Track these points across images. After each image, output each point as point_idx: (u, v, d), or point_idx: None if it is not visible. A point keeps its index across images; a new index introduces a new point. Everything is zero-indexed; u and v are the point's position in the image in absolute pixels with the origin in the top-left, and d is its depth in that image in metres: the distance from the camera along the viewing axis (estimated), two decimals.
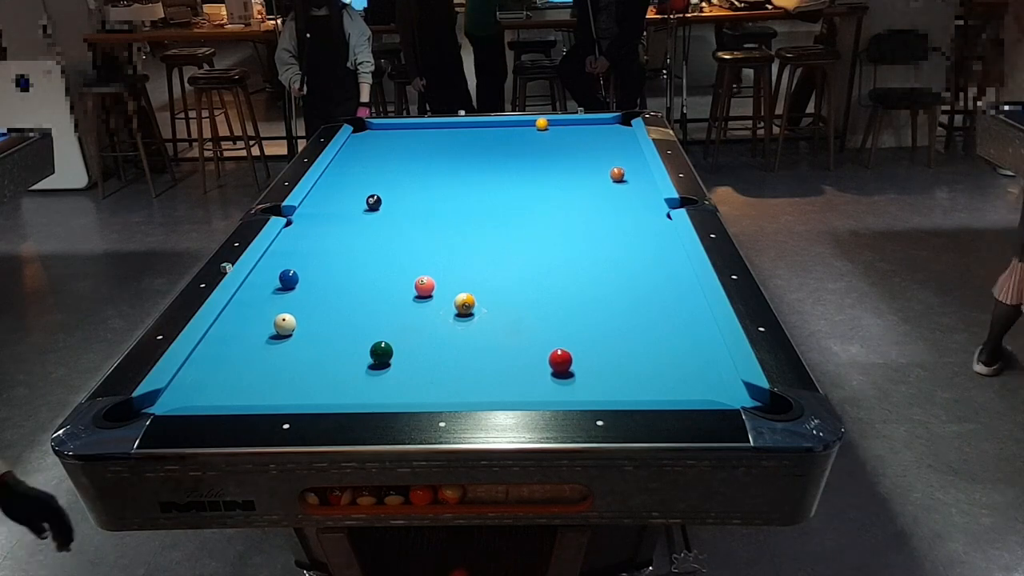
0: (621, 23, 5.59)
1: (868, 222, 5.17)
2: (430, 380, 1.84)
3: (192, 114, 6.55)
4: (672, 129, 3.85)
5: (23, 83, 5.87)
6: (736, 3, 6.32)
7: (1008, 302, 3.34)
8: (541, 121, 3.80)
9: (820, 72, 6.29)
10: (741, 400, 1.68)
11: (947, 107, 6.52)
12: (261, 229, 2.64)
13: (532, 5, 6.39)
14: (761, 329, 1.94)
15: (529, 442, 1.57)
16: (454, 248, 2.55)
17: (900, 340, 3.78)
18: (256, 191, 5.33)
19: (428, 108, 5.71)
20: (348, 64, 5.03)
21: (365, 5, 6.23)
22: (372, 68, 5.06)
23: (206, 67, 6.74)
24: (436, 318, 2.12)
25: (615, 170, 3.12)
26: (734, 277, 2.20)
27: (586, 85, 5.76)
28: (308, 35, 4.94)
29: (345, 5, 5.12)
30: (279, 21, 6.02)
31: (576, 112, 4.26)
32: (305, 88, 4.99)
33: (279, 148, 6.41)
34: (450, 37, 5.93)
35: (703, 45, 8.28)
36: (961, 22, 6.42)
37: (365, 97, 5.04)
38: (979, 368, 3.48)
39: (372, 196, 2.89)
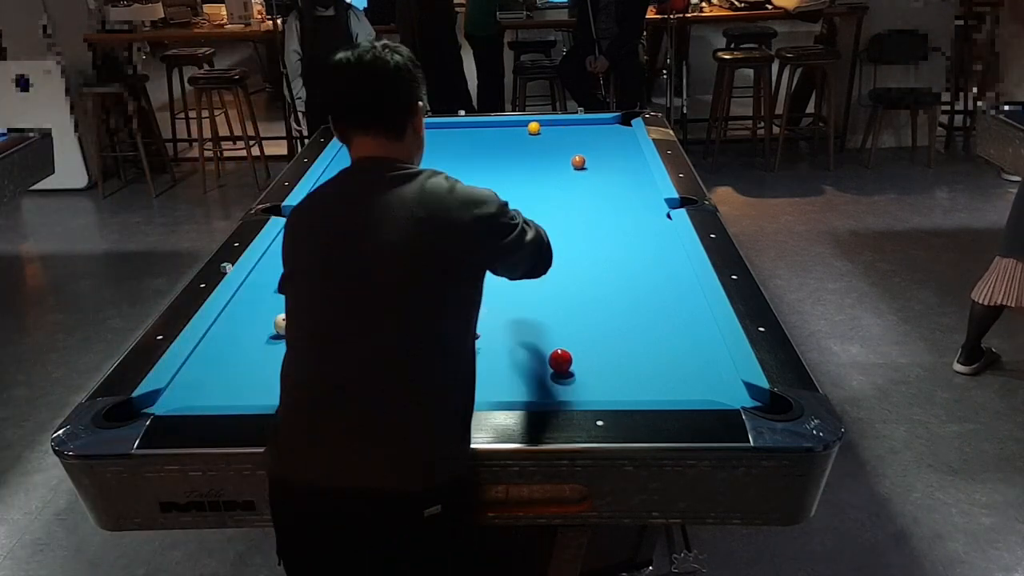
0: (621, 23, 5.59)
1: (868, 222, 5.16)
2: None
3: (192, 114, 6.54)
4: (672, 129, 3.84)
5: (23, 83, 5.87)
6: (736, 3, 6.32)
7: (987, 303, 3.33)
8: (533, 125, 3.74)
9: (820, 72, 6.29)
10: (741, 400, 1.68)
11: (947, 107, 6.52)
12: (261, 229, 2.64)
13: (532, 5, 6.39)
14: (761, 329, 1.94)
15: (529, 442, 1.57)
16: None
17: (900, 340, 3.78)
18: (256, 191, 5.33)
19: (428, 108, 5.70)
20: None
21: (365, 5, 6.22)
22: None
23: (206, 67, 6.74)
24: None
25: (576, 158, 3.23)
26: (734, 277, 2.21)
27: (586, 85, 5.76)
28: (314, 35, 4.92)
29: (351, 5, 5.11)
30: (278, 21, 6.01)
31: (576, 112, 4.26)
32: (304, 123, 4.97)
33: (279, 148, 6.41)
34: (450, 37, 5.92)
35: (703, 45, 8.28)
36: (961, 22, 6.42)
37: None
38: (958, 367, 3.48)
39: None
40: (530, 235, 1.66)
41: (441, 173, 1.59)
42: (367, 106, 1.57)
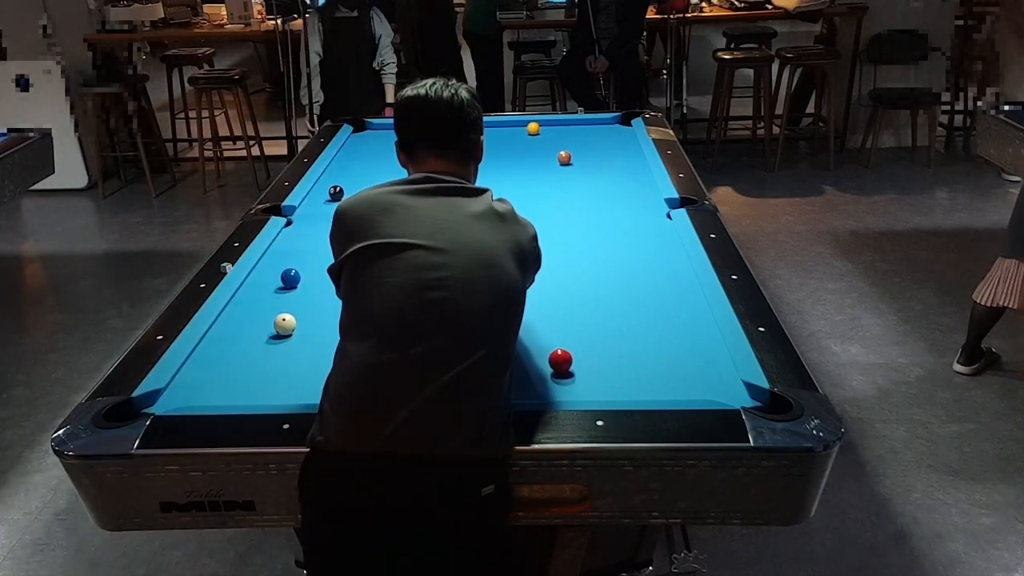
0: (621, 23, 5.59)
1: (868, 222, 5.17)
2: None
3: (192, 114, 6.54)
4: (672, 129, 3.84)
5: (23, 83, 5.87)
6: (736, 3, 6.32)
7: (989, 304, 3.33)
8: (532, 126, 3.74)
9: (820, 72, 6.29)
10: (741, 400, 1.68)
11: (947, 107, 6.52)
12: (261, 229, 2.64)
13: (533, 5, 6.39)
14: (761, 329, 1.94)
15: (529, 442, 1.57)
16: None
17: (900, 340, 3.78)
18: (256, 191, 5.33)
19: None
20: (374, 65, 5.00)
21: None
22: (396, 69, 5.05)
23: (206, 67, 6.74)
24: None
25: (562, 153, 3.28)
26: (734, 277, 2.21)
27: (586, 85, 5.76)
28: (334, 37, 4.90)
29: (372, 6, 5.09)
30: (278, 21, 6.01)
31: (576, 112, 4.26)
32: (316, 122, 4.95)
33: (279, 148, 6.41)
34: (450, 37, 5.92)
35: (703, 45, 8.29)
36: (961, 22, 6.42)
37: (391, 97, 5.03)
38: (958, 368, 3.48)
39: (335, 187, 2.92)
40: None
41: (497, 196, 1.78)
42: (447, 137, 1.77)
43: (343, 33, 4.92)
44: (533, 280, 1.80)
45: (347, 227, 1.68)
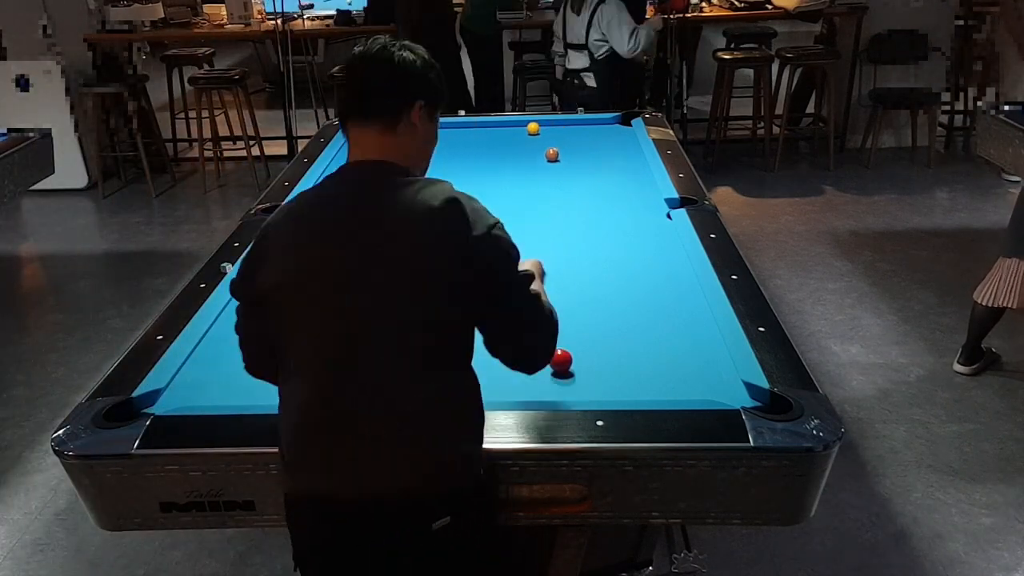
0: None
1: (868, 222, 5.17)
2: None
3: (192, 114, 6.54)
4: (672, 129, 3.84)
5: (23, 83, 5.87)
6: (736, 3, 6.32)
7: (990, 304, 3.32)
8: (532, 125, 3.74)
9: (820, 72, 6.29)
10: (741, 400, 1.68)
11: (947, 107, 6.52)
12: None
13: (533, 5, 6.38)
14: (761, 329, 1.94)
15: (529, 442, 1.57)
16: None
17: (900, 340, 3.78)
18: (256, 191, 5.33)
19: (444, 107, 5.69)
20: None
21: (365, 5, 6.22)
22: None
23: (206, 67, 6.74)
24: None
25: (550, 151, 3.31)
26: (734, 277, 2.21)
27: None
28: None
29: None
30: (278, 21, 6.01)
31: (576, 112, 4.26)
32: None
33: (279, 148, 6.41)
34: (450, 37, 5.91)
35: (703, 45, 8.28)
36: (961, 22, 6.42)
37: None
38: (958, 368, 3.48)
39: None
40: (535, 286, 1.54)
41: (443, 183, 1.51)
42: (359, 92, 1.52)
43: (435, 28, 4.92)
44: (515, 279, 1.50)
45: (265, 255, 1.50)
